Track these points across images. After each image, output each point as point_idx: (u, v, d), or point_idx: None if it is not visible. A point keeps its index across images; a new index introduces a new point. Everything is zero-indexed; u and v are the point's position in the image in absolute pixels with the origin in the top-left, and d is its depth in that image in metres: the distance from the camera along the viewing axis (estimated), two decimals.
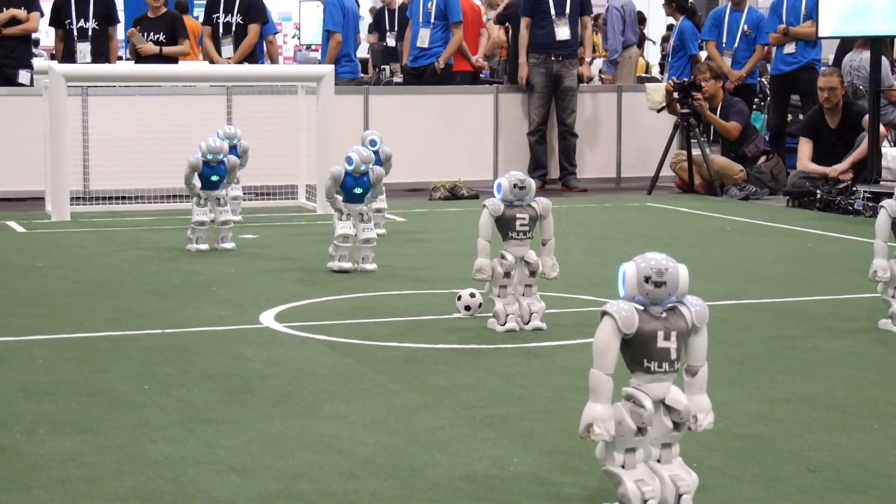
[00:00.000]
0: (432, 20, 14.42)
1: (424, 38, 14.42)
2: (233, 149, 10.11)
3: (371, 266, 8.28)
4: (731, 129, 13.58)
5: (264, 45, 14.88)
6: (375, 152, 10.06)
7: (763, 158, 13.64)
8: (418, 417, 5.00)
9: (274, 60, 15.87)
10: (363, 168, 8.13)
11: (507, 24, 15.62)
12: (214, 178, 9.24)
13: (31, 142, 12.08)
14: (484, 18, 16.21)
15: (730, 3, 14.84)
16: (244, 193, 11.28)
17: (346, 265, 8.23)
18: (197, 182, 9.20)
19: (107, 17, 13.69)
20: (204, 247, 9.20)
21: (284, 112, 12.51)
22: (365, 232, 8.25)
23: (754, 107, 15.44)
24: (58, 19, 13.68)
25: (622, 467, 3.79)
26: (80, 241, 10.03)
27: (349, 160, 8.14)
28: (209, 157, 9.17)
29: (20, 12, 13.20)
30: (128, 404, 5.16)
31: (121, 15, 14.85)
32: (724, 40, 14.66)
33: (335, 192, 8.17)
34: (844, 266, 8.83)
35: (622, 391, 3.81)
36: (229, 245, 9.27)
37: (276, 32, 17.32)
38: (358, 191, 8.20)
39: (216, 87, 13.14)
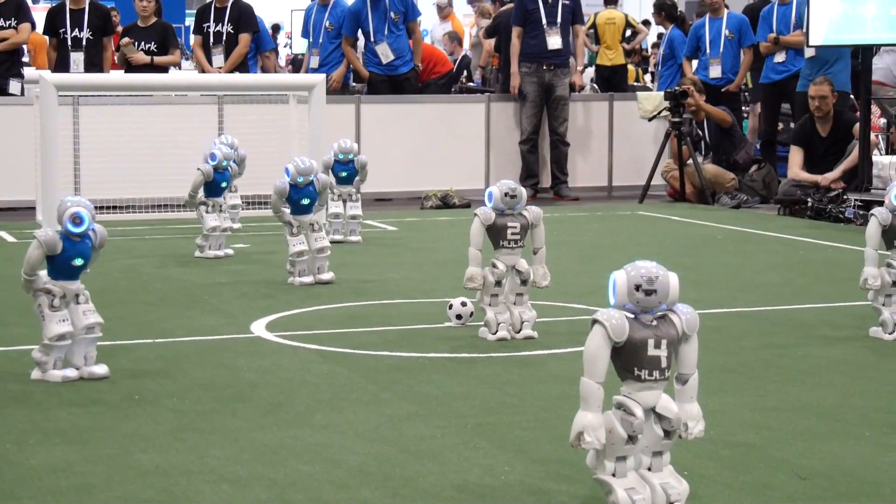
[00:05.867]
0: (399, 27, 14.37)
1: (388, 52, 14.31)
2: None
3: (328, 276, 8.19)
4: (724, 115, 13.65)
5: (259, 58, 14.86)
6: (350, 161, 10.11)
7: (754, 167, 13.66)
8: (409, 426, 4.99)
9: None
10: (308, 178, 8.10)
11: (496, 36, 15.63)
12: (224, 184, 9.43)
13: (22, 151, 12.06)
14: (476, 29, 16.22)
15: (708, 13, 14.87)
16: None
17: (307, 279, 8.16)
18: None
19: (102, 28, 13.60)
20: (215, 253, 9.30)
21: (276, 121, 12.49)
22: (318, 241, 8.16)
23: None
24: (52, 28, 13.59)
25: (613, 475, 3.79)
26: None
27: (287, 172, 8.13)
28: (224, 163, 9.34)
29: (7, 33, 13.17)
30: (118, 414, 5.15)
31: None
32: (709, 50, 14.67)
33: (282, 206, 8.13)
34: (835, 274, 8.83)
35: (613, 399, 3.81)
36: (227, 252, 9.34)
37: (273, 48, 17.28)
38: (305, 202, 8.15)
39: (207, 96, 13.13)
